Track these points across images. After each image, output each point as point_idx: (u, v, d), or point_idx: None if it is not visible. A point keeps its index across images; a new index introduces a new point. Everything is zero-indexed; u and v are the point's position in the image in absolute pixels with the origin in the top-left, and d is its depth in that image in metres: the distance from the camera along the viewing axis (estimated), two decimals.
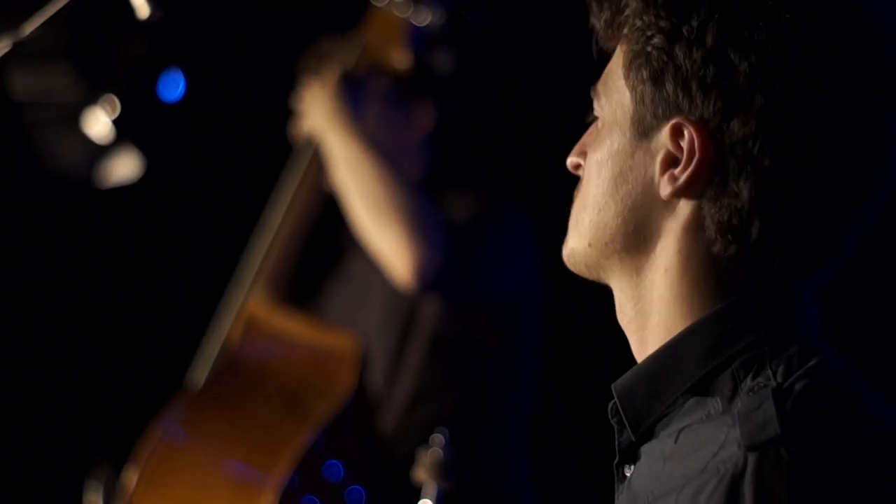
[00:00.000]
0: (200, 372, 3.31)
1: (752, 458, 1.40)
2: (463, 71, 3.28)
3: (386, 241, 3.07)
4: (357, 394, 3.20)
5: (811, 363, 1.50)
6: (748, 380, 1.50)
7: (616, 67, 1.63)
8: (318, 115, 3.24)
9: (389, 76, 3.28)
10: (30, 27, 2.06)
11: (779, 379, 1.48)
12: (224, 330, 3.31)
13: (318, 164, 3.29)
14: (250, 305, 3.32)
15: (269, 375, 3.27)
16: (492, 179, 3.49)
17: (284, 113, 3.43)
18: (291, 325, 3.33)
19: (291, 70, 3.48)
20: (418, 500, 2.43)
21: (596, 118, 1.67)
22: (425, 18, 3.19)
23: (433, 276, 3.06)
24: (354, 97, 3.24)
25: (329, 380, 3.22)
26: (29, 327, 4.20)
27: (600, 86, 1.65)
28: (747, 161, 1.52)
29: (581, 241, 1.65)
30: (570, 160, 1.70)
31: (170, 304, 4.13)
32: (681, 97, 1.54)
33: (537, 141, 3.46)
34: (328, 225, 3.40)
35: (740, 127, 1.52)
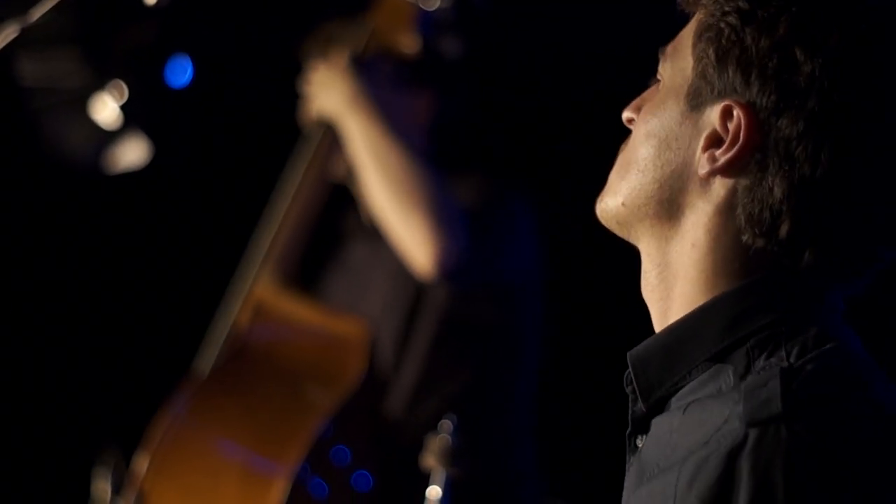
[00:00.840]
0: (209, 358, 3.30)
1: (752, 434, 1.41)
2: (470, 56, 3.26)
3: (408, 228, 3.05)
4: (366, 379, 3.19)
5: (826, 347, 1.50)
6: (762, 359, 1.51)
7: (689, 34, 1.64)
8: (335, 98, 3.21)
9: (395, 60, 3.27)
10: (37, 13, 2.05)
11: (791, 360, 1.48)
12: (232, 315, 3.30)
13: (326, 148, 3.28)
14: (259, 290, 3.31)
15: (278, 361, 3.26)
16: (495, 165, 3.48)
17: (292, 97, 3.41)
18: (300, 310, 3.32)
19: (298, 54, 3.47)
20: (426, 484, 2.43)
21: (658, 79, 1.68)
22: (434, 3, 3.18)
23: (454, 268, 3.04)
24: (370, 79, 3.22)
25: (339, 366, 3.21)
26: (38, 313, 4.21)
27: (670, 48, 1.67)
28: (787, 161, 1.52)
29: (616, 199, 1.66)
30: (626, 114, 1.71)
31: (178, 289, 4.13)
32: (739, 81, 1.55)
33: (541, 127, 3.45)
34: (330, 213, 3.39)
35: (788, 125, 1.52)
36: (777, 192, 1.52)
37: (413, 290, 3.25)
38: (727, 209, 1.57)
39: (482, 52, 3.37)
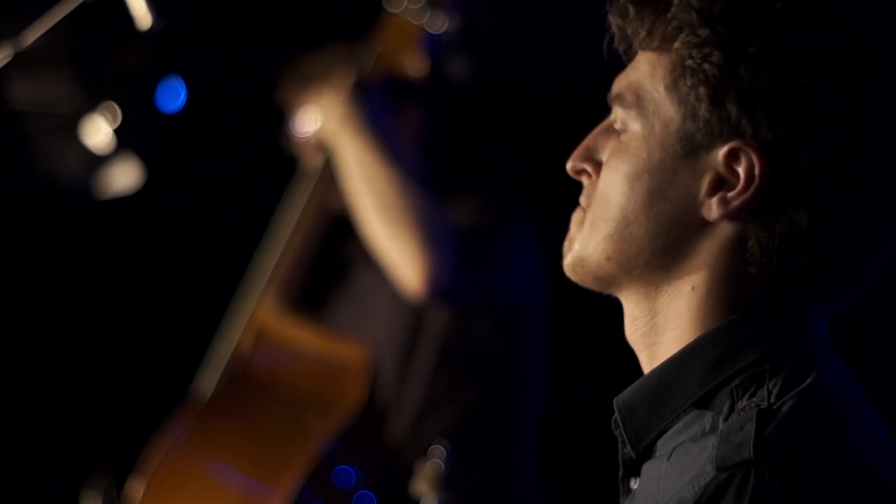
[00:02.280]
0: (209, 381, 3.28)
1: (720, 478, 1.40)
2: (477, 78, 3.26)
3: (397, 248, 3.05)
4: (368, 402, 3.17)
5: (805, 382, 1.48)
6: (745, 399, 1.49)
7: (647, 78, 1.58)
8: (330, 120, 3.22)
9: (402, 82, 3.27)
10: (31, 36, 2.04)
11: (772, 399, 1.46)
12: (234, 339, 3.28)
13: (330, 171, 3.27)
14: (261, 314, 3.29)
15: (278, 386, 3.24)
16: (495, 185, 3.48)
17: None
18: (302, 335, 3.31)
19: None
20: None
21: (612, 125, 1.62)
22: (440, 26, 3.17)
23: (444, 286, 3.04)
24: (370, 103, 3.22)
25: (339, 391, 3.20)
26: (33, 334, 4.18)
27: (627, 94, 1.59)
28: (810, 190, 1.49)
29: (596, 253, 1.59)
30: (574, 165, 1.64)
31: (176, 313, 4.11)
32: (744, 120, 1.50)
33: (543, 148, 3.45)
34: (334, 240, 3.38)
35: (808, 157, 1.49)
36: (802, 221, 1.49)
37: (414, 315, 3.25)
38: (735, 246, 1.53)
39: (489, 74, 3.37)
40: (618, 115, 1.60)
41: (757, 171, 1.50)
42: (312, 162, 3.33)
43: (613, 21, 1.61)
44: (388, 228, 3.07)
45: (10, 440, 4.15)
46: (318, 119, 3.26)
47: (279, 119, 3.49)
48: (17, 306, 4.16)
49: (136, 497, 3.09)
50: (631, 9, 1.59)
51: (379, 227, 3.09)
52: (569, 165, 1.65)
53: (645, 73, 1.58)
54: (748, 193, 1.51)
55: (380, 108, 3.28)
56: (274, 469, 3.06)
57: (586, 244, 1.61)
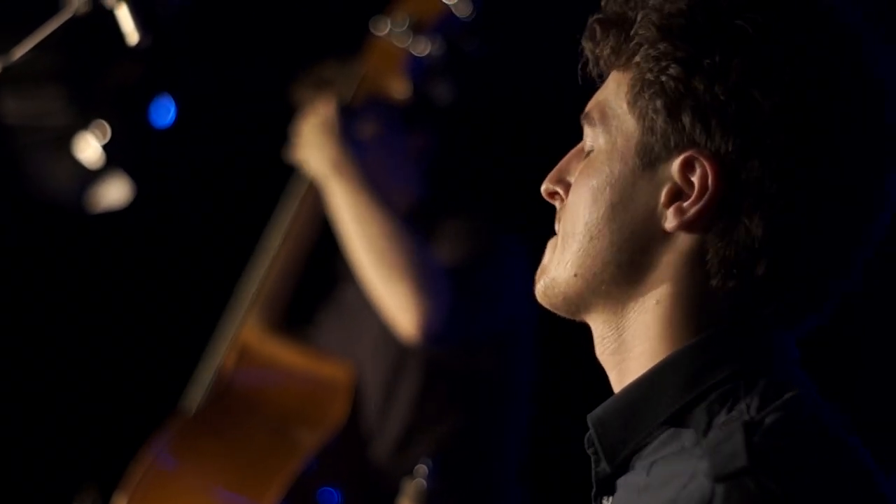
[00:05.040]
0: (194, 398, 3.30)
1: (719, 489, 1.39)
2: (461, 101, 3.28)
3: (389, 293, 3.05)
4: (352, 421, 3.18)
5: (785, 397, 1.48)
6: (723, 413, 1.49)
7: (612, 95, 1.60)
8: (320, 159, 3.20)
9: (388, 105, 3.29)
10: (20, 51, 2.06)
11: (751, 413, 1.46)
12: (218, 357, 3.30)
13: (314, 190, 3.28)
14: (244, 333, 3.31)
15: (261, 404, 3.26)
16: (487, 207, 3.50)
17: (278, 139, 3.42)
18: (285, 354, 3.33)
19: (285, 96, 3.48)
20: None
21: (580, 145, 1.64)
22: (424, 49, 3.19)
23: (438, 331, 3.04)
24: (353, 131, 3.23)
25: (321, 409, 3.21)
26: (20, 351, 4.19)
27: (594, 113, 1.61)
28: (762, 200, 1.50)
29: (565, 271, 1.60)
30: (547, 187, 1.66)
31: (163, 330, 4.11)
32: (698, 131, 1.51)
33: (533, 169, 3.47)
34: (322, 253, 3.39)
35: (759, 166, 1.50)
36: (756, 231, 1.50)
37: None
38: (695, 258, 1.54)
39: (473, 96, 3.39)
40: (587, 134, 1.63)
41: (710, 180, 1.51)
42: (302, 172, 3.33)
43: (586, 46, 1.63)
44: (379, 272, 3.07)
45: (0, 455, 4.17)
46: (305, 149, 3.26)
47: (268, 135, 3.51)
48: (5, 320, 4.17)
49: None
50: (597, 29, 1.61)
51: (371, 271, 3.08)
52: (542, 188, 1.67)
53: (611, 90, 1.61)
54: (702, 202, 1.52)
55: (369, 131, 3.29)
56: (256, 483, 3.07)
57: (557, 264, 1.62)
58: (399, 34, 3.19)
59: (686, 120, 1.52)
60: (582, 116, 1.64)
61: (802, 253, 1.53)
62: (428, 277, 3.04)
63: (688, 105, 1.52)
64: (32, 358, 4.19)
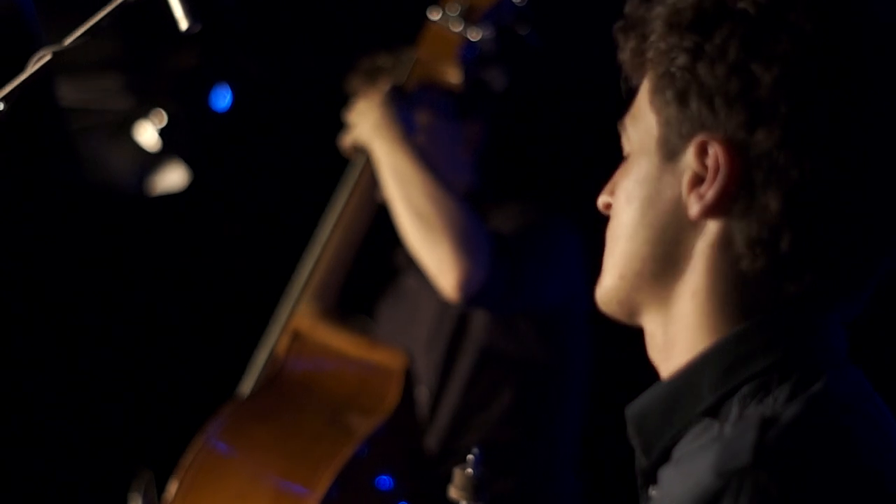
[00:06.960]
0: (248, 384, 3.31)
1: (717, 485, 1.40)
2: (515, 87, 3.28)
3: (432, 254, 3.08)
4: (404, 408, 3.19)
5: (811, 390, 1.48)
6: (752, 405, 1.49)
7: (642, 97, 1.63)
8: (365, 125, 3.24)
9: (442, 91, 3.29)
10: (71, 38, 2.06)
11: (777, 406, 1.47)
12: (270, 343, 3.31)
13: (369, 176, 3.29)
14: (297, 319, 3.32)
15: (313, 390, 3.26)
16: (540, 194, 3.49)
17: (334, 125, 3.43)
18: (338, 340, 3.33)
19: (341, 82, 3.49)
20: None
21: (627, 155, 1.67)
22: (479, 35, 3.19)
23: (477, 291, 3.05)
24: (405, 110, 3.24)
25: (373, 396, 3.21)
26: (79, 337, 4.22)
27: (627, 118, 1.66)
28: (774, 172, 1.51)
29: (613, 275, 1.64)
30: (602, 200, 1.69)
31: (222, 316, 4.13)
32: (705, 114, 1.53)
33: (587, 156, 3.45)
34: (382, 243, 3.41)
35: (765, 138, 1.50)
36: (773, 205, 1.51)
37: (457, 316, 3.28)
38: (724, 242, 1.55)
39: (527, 82, 3.38)
40: (623, 141, 1.67)
41: (722, 161, 1.52)
42: (355, 159, 3.35)
43: (621, 57, 1.66)
44: (422, 235, 3.09)
45: (59, 441, 4.20)
46: (355, 122, 3.29)
47: (324, 122, 3.51)
48: (64, 304, 4.20)
49: (170, 495, 3.12)
50: (620, 37, 1.65)
51: (414, 233, 3.11)
52: (598, 202, 1.70)
53: (641, 94, 1.65)
54: (718, 184, 1.53)
55: (418, 114, 3.30)
56: (308, 470, 3.07)
57: (606, 271, 1.66)
58: (454, 20, 3.20)
59: (694, 106, 1.55)
60: (618, 125, 1.68)
61: (823, 224, 1.52)
62: (468, 237, 3.06)
63: (694, 91, 1.55)
64: (88, 344, 4.22)
